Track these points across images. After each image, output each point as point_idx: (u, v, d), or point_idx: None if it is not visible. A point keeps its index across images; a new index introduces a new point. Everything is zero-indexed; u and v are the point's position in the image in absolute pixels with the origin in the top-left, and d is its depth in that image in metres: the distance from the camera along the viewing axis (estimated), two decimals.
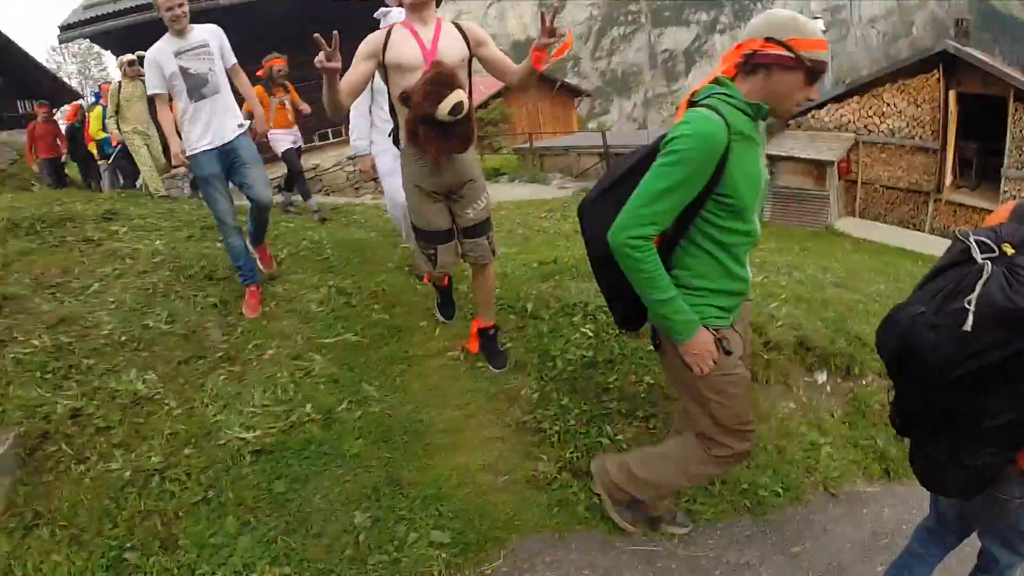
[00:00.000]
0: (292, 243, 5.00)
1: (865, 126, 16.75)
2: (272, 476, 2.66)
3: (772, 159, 17.36)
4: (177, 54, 3.71)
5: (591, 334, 3.63)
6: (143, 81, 6.11)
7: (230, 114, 3.94)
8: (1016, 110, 13.96)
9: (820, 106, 17.57)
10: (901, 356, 1.63)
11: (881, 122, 16.43)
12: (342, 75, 2.60)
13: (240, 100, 4.18)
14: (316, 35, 2.35)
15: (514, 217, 8.43)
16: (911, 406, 1.71)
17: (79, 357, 3.09)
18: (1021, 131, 14.04)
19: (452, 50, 2.89)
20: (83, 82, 41.38)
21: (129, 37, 9.96)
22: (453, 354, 3.58)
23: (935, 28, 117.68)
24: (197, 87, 3.77)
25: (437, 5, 3.02)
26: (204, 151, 3.80)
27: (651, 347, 3.47)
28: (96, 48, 16.54)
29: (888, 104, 16.15)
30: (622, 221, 1.90)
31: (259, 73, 6.64)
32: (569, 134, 26.38)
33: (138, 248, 4.31)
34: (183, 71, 3.73)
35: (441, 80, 2.65)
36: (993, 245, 1.52)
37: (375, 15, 4.18)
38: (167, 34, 3.78)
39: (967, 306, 1.43)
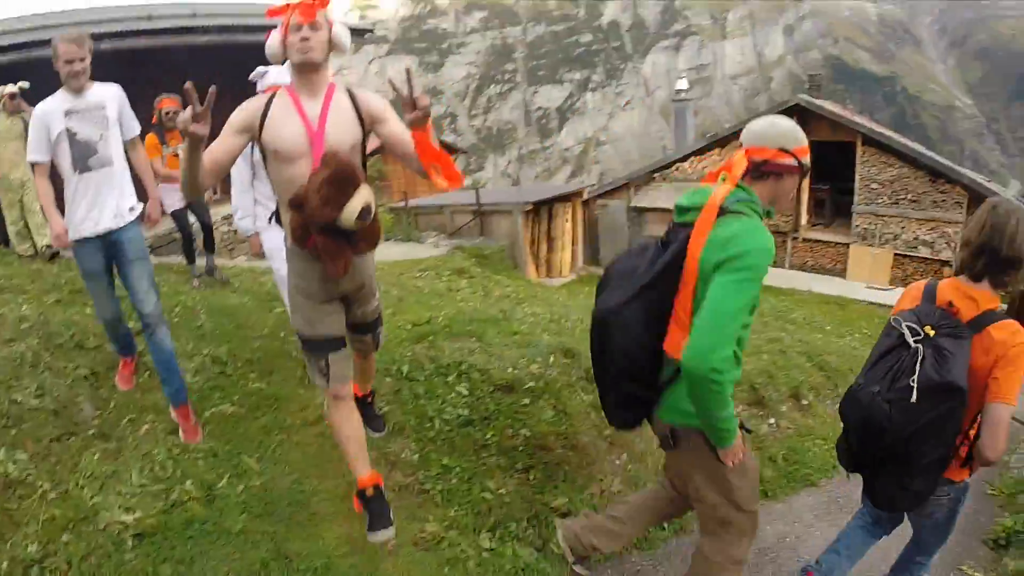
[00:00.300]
0: (165, 309, 4.89)
1: None
2: (156, 560, 2.60)
3: (640, 211, 18.45)
4: (67, 113, 3.25)
5: (466, 392, 3.80)
6: (24, 119, 5.95)
7: (122, 194, 3.41)
8: (863, 153, 15.84)
9: (683, 159, 18.92)
10: (864, 424, 2.18)
11: None
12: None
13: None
14: (187, 84, 2.04)
15: (388, 277, 8.44)
16: (868, 455, 2.24)
17: None
18: (868, 171, 15.88)
19: (344, 131, 2.42)
20: None
21: (7, 78, 9.39)
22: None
23: (792, 83, 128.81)
24: (83, 156, 3.26)
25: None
26: (86, 238, 3.29)
27: (525, 402, 3.74)
28: None
29: None
30: (708, 343, 1.85)
31: (152, 119, 5.88)
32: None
33: (3, 313, 4.06)
34: (70, 135, 3.23)
35: (342, 178, 2.20)
36: (919, 329, 2.11)
37: (250, 76, 3.73)
38: (61, 90, 3.32)
39: (912, 384, 2.02)
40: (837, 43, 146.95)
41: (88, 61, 3.32)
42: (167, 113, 5.85)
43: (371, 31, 13.34)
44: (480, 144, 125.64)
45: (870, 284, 15.31)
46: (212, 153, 2.30)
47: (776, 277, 15.76)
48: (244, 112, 2.37)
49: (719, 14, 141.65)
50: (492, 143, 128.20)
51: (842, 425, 2.39)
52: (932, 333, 2.09)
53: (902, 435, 2.07)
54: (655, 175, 19.58)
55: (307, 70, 2.39)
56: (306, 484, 3.19)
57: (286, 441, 3.50)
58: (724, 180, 2.06)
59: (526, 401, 3.77)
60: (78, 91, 3.33)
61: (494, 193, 21.84)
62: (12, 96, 6.53)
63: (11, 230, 6.63)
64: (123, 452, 3.14)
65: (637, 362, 2.11)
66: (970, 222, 2.25)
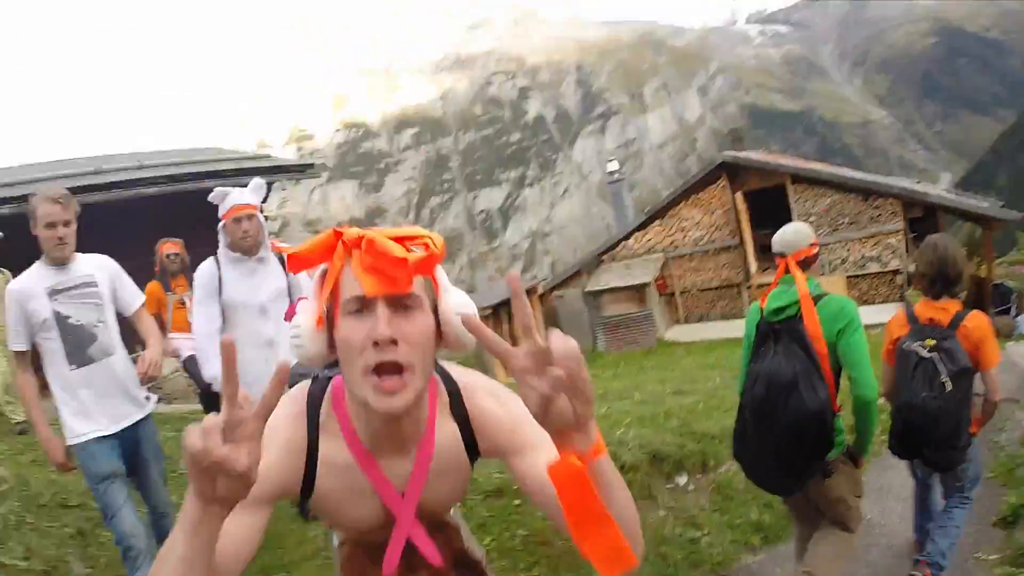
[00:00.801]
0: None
1: (671, 243, 18.65)
2: None
3: (595, 294, 18.70)
4: (52, 293, 2.72)
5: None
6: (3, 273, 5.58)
7: (133, 383, 2.95)
8: (795, 191, 16.45)
9: (627, 236, 19.40)
10: (925, 419, 2.91)
11: (684, 236, 18.43)
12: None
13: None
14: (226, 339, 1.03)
15: None
16: (928, 439, 2.96)
17: None
18: (803, 207, 16.42)
19: (448, 491, 1.42)
20: None
21: None
22: (328, 554, 3.57)
23: (716, 138, 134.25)
24: (80, 346, 2.75)
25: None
26: (96, 439, 2.76)
27: (516, 502, 3.76)
28: None
29: (686, 219, 18.29)
30: (867, 378, 2.64)
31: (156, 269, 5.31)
32: None
33: None
34: (60, 320, 2.71)
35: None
36: (923, 344, 2.96)
37: (210, 197, 3.36)
38: (39, 263, 2.81)
39: (944, 380, 2.86)
40: (749, 92, 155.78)
41: (74, 227, 2.82)
42: (169, 256, 5.24)
43: (311, 166, 13.73)
44: None
45: None
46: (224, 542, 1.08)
47: (738, 328, 16.05)
48: (272, 470, 1.22)
49: (635, 89, 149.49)
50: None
51: (893, 427, 3.14)
52: (933, 343, 2.95)
53: (951, 414, 2.87)
54: (603, 257, 20.02)
55: (393, 415, 1.17)
56: None
57: None
58: (789, 282, 2.84)
59: (517, 502, 3.83)
60: (61, 263, 2.78)
61: None
62: None
63: None
64: None
65: (824, 426, 2.60)
66: (919, 258, 3.14)
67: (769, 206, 17.29)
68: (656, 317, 17.67)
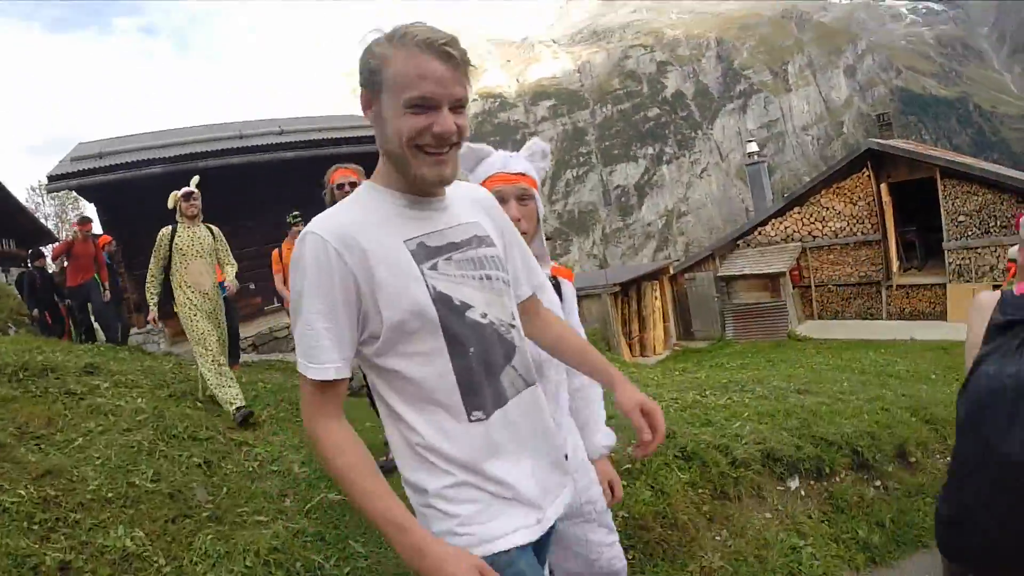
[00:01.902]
0: (271, 404, 5.14)
1: (809, 232, 17.77)
2: None
3: (727, 280, 18.15)
4: (427, 254, 1.36)
5: None
6: (209, 227, 5.57)
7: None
8: (944, 187, 15.20)
9: (763, 222, 18.63)
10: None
11: (823, 226, 17.50)
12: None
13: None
14: None
15: None
16: None
17: (66, 510, 3.10)
18: (953, 205, 15.12)
19: None
20: (59, 224, 41.61)
21: (113, 193, 10.38)
22: None
23: (864, 123, 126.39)
24: (491, 370, 1.38)
25: None
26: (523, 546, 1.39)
27: (623, 483, 3.72)
28: (74, 193, 17.28)
29: (827, 208, 17.32)
30: None
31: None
32: None
33: (120, 405, 4.39)
34: (448, 311, 1.34)
35: None
36: None
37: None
38: (367, 191, 1.43)
39: None
40: (900, 74, 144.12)
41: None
42: (342, 186, 4.40)
43: None
44: (564, 228, 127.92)
45: None
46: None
47: (874, 329, 15.05)
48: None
49: (779, 68, 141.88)
50: (575, 226, 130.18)
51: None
52: None
53: None
54: (739, 242, 19.40)
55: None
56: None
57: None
58: None
59: (624, 483, 3.73)
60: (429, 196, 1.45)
61: (582, 277, 22.13)
62: (188, 196, 5.34)
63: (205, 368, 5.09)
64: (235, 535, 3.23)
65: None
66: None
67: (916, 201, 16.00)
68: (788, 309, 16.89)
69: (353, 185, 4.15)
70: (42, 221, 34.91)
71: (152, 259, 5.24)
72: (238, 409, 4.68)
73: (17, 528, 2.93)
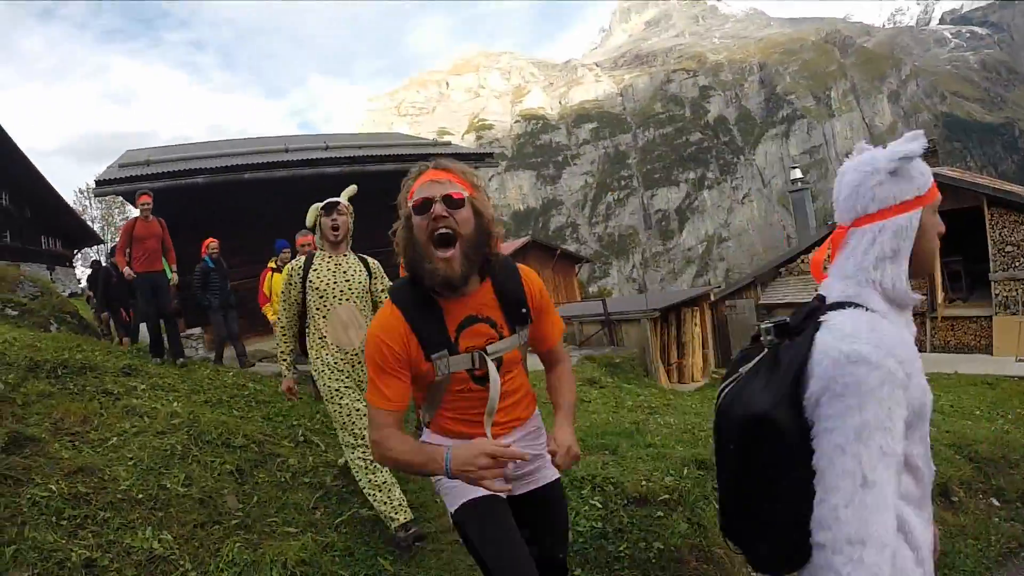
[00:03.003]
0: (307, 415, 5.12)
1: None
2: None
3: (769, 308, 17.80)
4: None
5: (600, 505, 3.71)
6: (365, 261, 3.91)
7: None
8: (991, 216, 14.72)
9: (807, 250, 18.28)
10: None
11: None
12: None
13: None
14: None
15: None
16: None
17: (95, 508, 3.10)
18: (1000, 234, 14.63)
19: None
20: (105, 227, 42.79)
21: (160, 200, 10.60)
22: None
23: None
24: None
25: None
26: None
27: (659, 514, 3.62)
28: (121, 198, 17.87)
29: None
30: None
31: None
32: (572, 302, 27.15)
33: (156, 408, 4.41)
34: None
35: None
36: None
37: None
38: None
39: None
40: (945, 99, 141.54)
41: None
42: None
43: (490, 155, 14.05)
44: (603, 251, 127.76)
45: (1021, 357, 13.83)
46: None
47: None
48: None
49: (822, 93, 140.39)
50: (615, 249, 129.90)
51: None
52: None
53: None
54: (781, 270, 19.07)
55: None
56: None
57: (422, 547, 3.46)
58: None
59: (660, 514, 3.68)
60: None
61: (621, 301, 21.97)
62: (331, 209, 3.78)
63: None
64: (263, 544, 3.19)
65: None
66: None
67: (961, 230, 15.55)
68: None
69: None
70: (88, 223, 35.96)
71: (281, 302, 3.78)
72: (405, 527, 3.40)
73: (45, 522, 2.92)
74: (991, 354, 14.85)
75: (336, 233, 3.65)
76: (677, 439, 5.14)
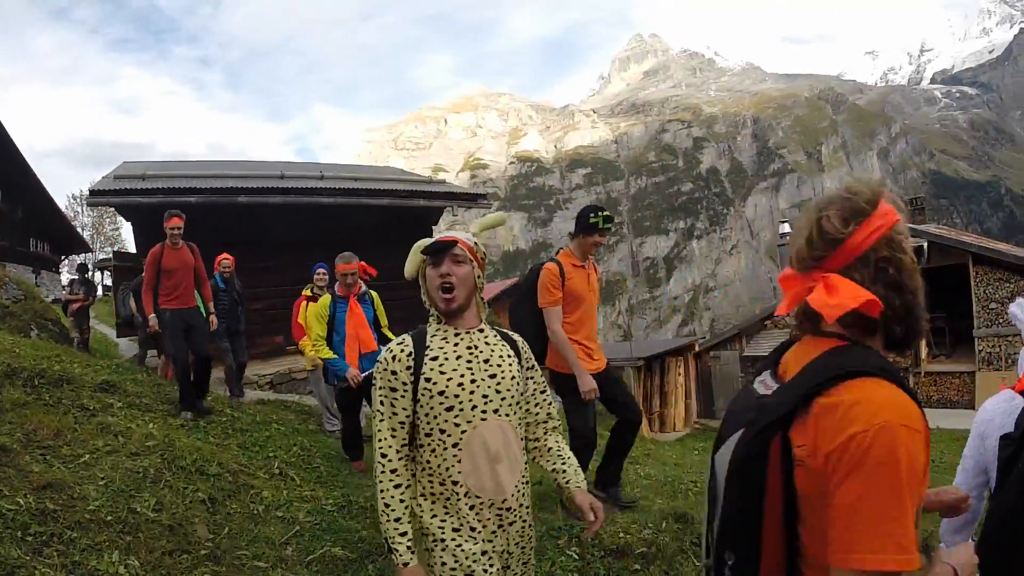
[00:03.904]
0: (284, 447, 5.05)
1: None
2: None
3: (754, 361, 17.83)
4: None
5: (577, 557, 3.67)
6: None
7: None
8: (976, 273, 14.97)
9: None
10: None
11: None
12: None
13: None
14: None
15: None
16: None
17: (62, 527, 3.01)
18: (984, 291, 14.81)
19: None
20: (94, 236, 42.50)
21: (152, 215, 10.56)
22: None
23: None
24: None
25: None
26: None
27: (636, 567, 3.57)
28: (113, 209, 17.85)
29: None
30: None
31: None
32: None
33: (131, 427, 4.33)
34: None
35: None
36: None
37: None
38: None
39: None
40: (933, 157, 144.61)
41: None
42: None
43: (484, 196, 14.15)
44: None
45: None
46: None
47: None
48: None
49: (813, 148, 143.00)
50: (602, 295, 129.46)
51: None
52: None
53: None
54: (766, 322, 19.19)
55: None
56: None
57: None
58: None
59: (637, 567, 3.65)
60: None
61: (606, 348, 21.95)
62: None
63: None
64: None
65: None
66: None
67: (946, 287, 15.74)
68: None
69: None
70: (79, 230, 35.67)
71: (379, 417, 2.76)
72: None
73: (11, 536, 2.84)
74: (973, 409, 14.92)
75: (450, 298, 1.98)
76: (656, 491, 5.11)
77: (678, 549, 3.84)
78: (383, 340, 5.22)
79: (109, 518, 3.19)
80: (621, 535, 3.88)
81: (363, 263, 5.20)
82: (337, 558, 3.56)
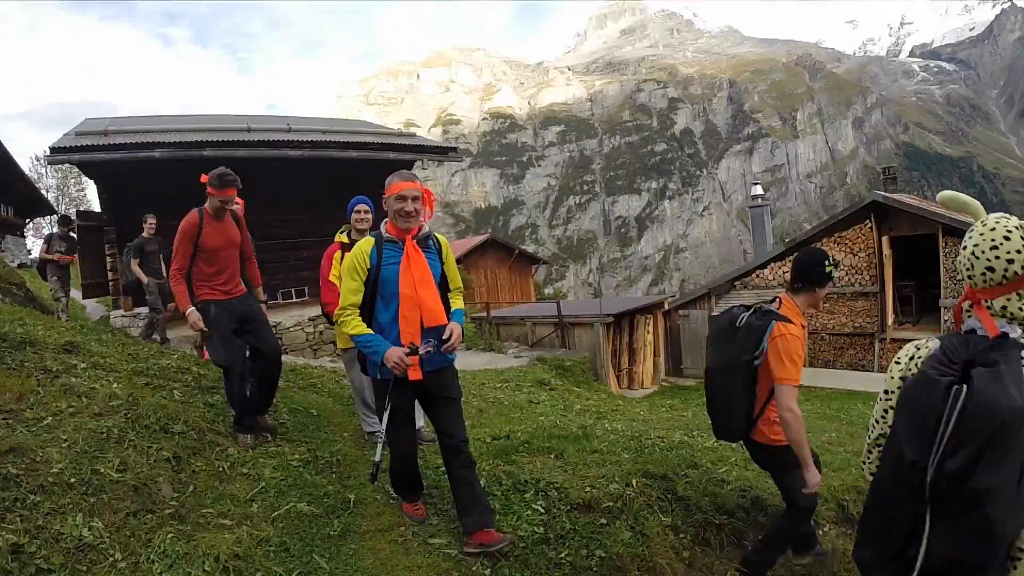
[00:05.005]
0: None
1: None
2: None
3: None
4: None
5: (543, 510, 3.70)
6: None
7: None
8: (946, 244, 15.21)
9: (763, 265, 18.66)
10: None
11: None
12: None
13: None
14: None
15: (469, 388, 8.53)
16: None
17: (25, 491, 2.97)
18: (953, 262, 15.18)
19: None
20: (59, 198, 41.26)
21: (116, 172, 10.27)
22: (405, 529, 3.57)
23: (867, 175, 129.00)
24: None
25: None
26: None
27: (602, 522, 3.63)
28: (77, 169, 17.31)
29: None
30: None
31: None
32: (527, 303, 27.26)
33: (95, 388, 4.25)
34: None
35: None
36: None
37: None
38: None
39: None
40: (908, 130, 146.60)
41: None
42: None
43: (455, 150, 13.97)
44: (561, 254, 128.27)
45: None
46: None
47: (864, 381, 14.98)
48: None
49: (788, 114, 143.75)
50: (573, 253, 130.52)
51: None
52: None
53: None
54: (736, 283, 19.42)
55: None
56: None
57: (360, 545, 3.42)
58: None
59: (603, 521, 3.68)
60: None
61: (575, 305, 22.12)
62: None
63: None
64: (197, 536, 3.10)
65: None
66: None
67: (915, 257, 16.04)
68: None
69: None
70: (43, 192, 34.67)
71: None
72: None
73: None
74: None
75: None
76: (624, 446, 5.16)
77: (644, 504, 3.89)
78: (448, 307, 3.48)
79: (72, 480, 3.15)
80: (588, 489, 3.92)
81: (427, 188, 3.45)
82: (303, 514, 3.56)
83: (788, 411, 3.14)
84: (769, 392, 3.29)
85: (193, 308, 4.40)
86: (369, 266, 3.34)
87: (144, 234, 8.84)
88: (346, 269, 3.36)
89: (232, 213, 4.74)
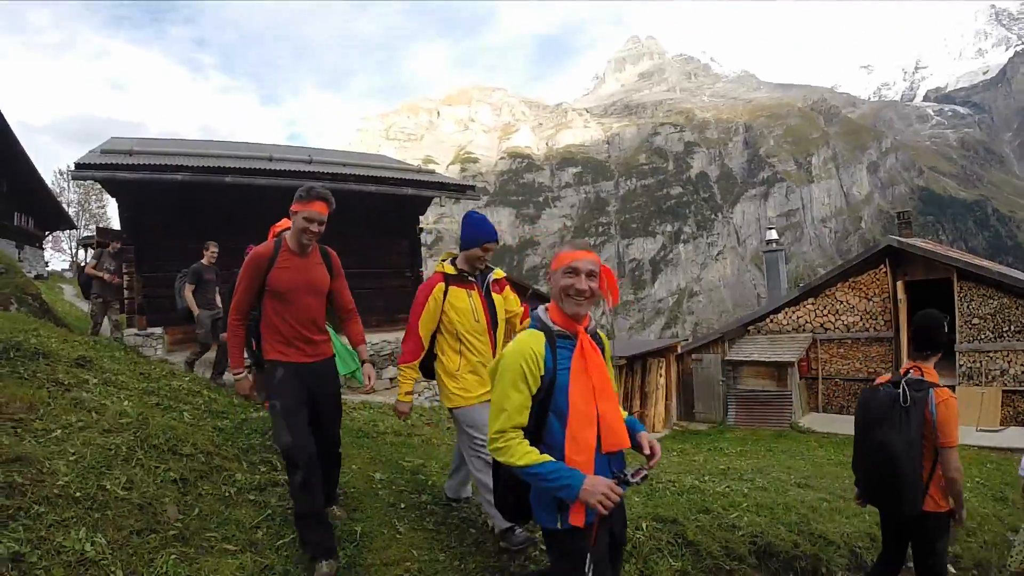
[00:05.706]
0: (260, 430, 4.98)
1: (821, 324, 17.73)
2: None
3: (735, 364, 17.96)
4: None
5: None
6: None
7: None
8: (961, 289, 15.15)
9: (777, 310, 18.57)
10: None
11: (836, 319, 17.48)
12: None
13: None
14: None
15: None
16: None
17: (29, 501, 2.93)
18: (968, 307, 15.03)
19: None
20: (79, 213, 41.73)
21: (138, 192, 10.41)
22: (411, 564, 3.52)
23: (882, 220, 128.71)
24: None
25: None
26: None
27: None
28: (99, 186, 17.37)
29: (841, 302, 17.34)
30: None
31: None
32: None
33: (105, 404, 4.23)
34: None
35: None
36: None
37: None
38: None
39: None
40: (922, 174, 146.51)
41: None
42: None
43: (472, 188, 14.10)
44: None
45: (980, 427, 14.15)
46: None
47: None
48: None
49: (803, 159, 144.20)
50: None
51: None
52: None
53: None
54: (749, 328, 19.32)
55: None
56: None
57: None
58: None
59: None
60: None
61: None
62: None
63: None
64: (200, 559, 3.06)
65: None
66: None
67: (931, 301, 15.93)
68: (793, 399, 16.66)
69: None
70: (64, 207, 35.15)
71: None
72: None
73: None
74: None
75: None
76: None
77: (654, 548, 3.83)
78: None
79: (78, 494, 3.12)
80: None
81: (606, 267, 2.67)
82: None
83: (958, 471, 3.31)
84: (934, 458, 3.38)
85: (244, 370, 3.70)
86: (543, 372, 2.39)
87: (203, 261, 8.29)
88: (507, 375, 2.36)
89: (323, 251, 3.85)
